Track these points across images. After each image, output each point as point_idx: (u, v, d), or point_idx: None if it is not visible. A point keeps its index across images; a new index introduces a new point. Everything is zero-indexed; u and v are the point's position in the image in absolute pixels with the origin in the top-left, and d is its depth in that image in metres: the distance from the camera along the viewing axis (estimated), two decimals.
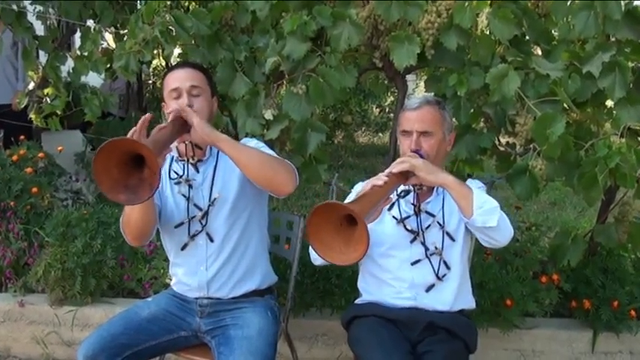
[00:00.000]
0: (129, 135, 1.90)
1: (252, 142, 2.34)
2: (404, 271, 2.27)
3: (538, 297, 2.94)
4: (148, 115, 2.00)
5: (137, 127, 1.94)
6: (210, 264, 2.31)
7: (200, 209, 2.30)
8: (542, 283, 2.95)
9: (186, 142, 2.27)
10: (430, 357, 2.10)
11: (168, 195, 2.34)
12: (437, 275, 2.25)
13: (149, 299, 2.47)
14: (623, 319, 2.95)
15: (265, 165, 2.14)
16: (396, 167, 2.10)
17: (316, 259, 2.27)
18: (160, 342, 2.28)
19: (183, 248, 2.33)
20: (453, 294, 2.27)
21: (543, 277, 2.97)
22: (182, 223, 2.31)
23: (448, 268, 2.26)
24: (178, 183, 2.32)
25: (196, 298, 2.36)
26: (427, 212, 2.29)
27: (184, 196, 2.32)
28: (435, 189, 2.31)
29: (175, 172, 2.34)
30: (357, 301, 2.40)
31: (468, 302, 2.36)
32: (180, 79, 2.24)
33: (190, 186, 2.31)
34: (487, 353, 2.99)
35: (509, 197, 4.56)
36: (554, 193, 6.45)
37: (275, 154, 2.27)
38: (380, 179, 2.03)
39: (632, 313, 2.95)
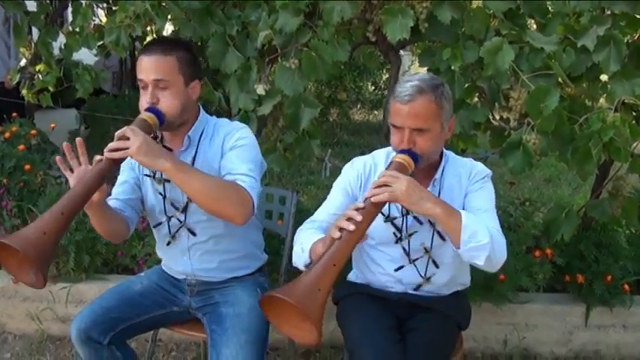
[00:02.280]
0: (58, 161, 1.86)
1: (236, 135, 2.11)
2: (392, 269, 2.18)
3: (531, 271, 2.95)
4: (78, 139, 1.89)
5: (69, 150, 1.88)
6: (192, 254, 2.26)
7: (177, 208, 2.20)
8: (535, 258, 2.96)
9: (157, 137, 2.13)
10: (415, 334, 2.04)
11: (148, 189, 2.25)
12: (424, 276, 2.16)
13: (141, 274, 2.46)
14: (616, 294, 2.97)
15: (211, 197, 1.91)
16: (374, 195, 1.82)
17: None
18: (153, 316, 2.28)
19: (167, 244, 2.28)
20: (443, 288, 2.20)
21: (537, 251, 2.97)
22: (160, 223, 2.25)
23: (437, 267, 2.15)
24: (155, 179, 2.21)
25: (185, 279, 2.34)
26: (415, 217, 2.11)
27: (160, 194, 2.21)
28: (432, 182, 2.10)
29: (150, 170, 2.19)
30: (349, 277, 2.39)
31: (463, 284, 2.30)
32: (145, 69, 2.01)
33: (167, 181, 2.16)
34: (480, 328, 3.01)
35: (503, 173, 4.57)
36: (549, 170, 6.45)
37: (232, 179, 1.99)
38: (353, 218, 1.77)
39: (626, 287, 2.97)
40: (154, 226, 2.29)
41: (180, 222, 2.21)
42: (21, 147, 3.63)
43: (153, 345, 2.64)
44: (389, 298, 2.20)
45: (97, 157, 1.84)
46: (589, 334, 3.05)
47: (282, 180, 5.60)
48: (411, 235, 2.12)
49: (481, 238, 1.85)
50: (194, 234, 2.22)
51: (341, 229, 1.76)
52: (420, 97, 1.92)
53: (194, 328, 2.33)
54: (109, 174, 1.86)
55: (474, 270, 2.71)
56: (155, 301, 2.30)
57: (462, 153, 2.74)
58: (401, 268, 2.16)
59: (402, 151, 1.95)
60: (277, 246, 2.82)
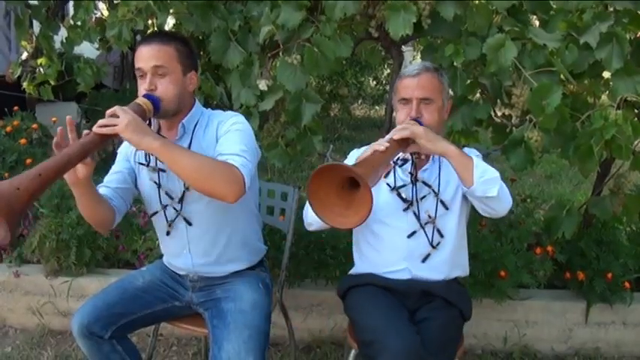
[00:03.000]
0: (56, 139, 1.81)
1: (230, 121, 2.12)
2: (399, 241, 2.26)
3: (532, 268, 2.96)
4: (68, 117, 1.86)
5: (62, 134, 1.83)
6: (192, 247, 2.26)
7: (171, 197, 2.20)
8: (536, 255, 2.97)
9: (152, 122, 2.14)
10: (427, 324, 2.11)
11: (144, 180, 2.24)
12: (431, 244, 2.25)
13: (143, 269, 2.46)
14: (616, 291, 2.97)
15: (202, 175, 1.89)
16: (396, 134, 2.05)
17: (310, 224, 2.26)
18: (155, 311, 2.28)
19: (167, 234, 2.28)
20: (448, 262, 2.27)
21: (538, 248, 2.98)
22: (156, 212, 2.25)
23: (442, 236, 2.25)
24: (149, 167, 2.22)
25: (187, 275, 2.34)
26: (424, 182, 2.27)
27: (155, 183, 2.21)
28: (432, 156, 2.28)
29: (144, 158, 2.21)
30: (351, 272, 2.41)
31: (464, 270, 2.37)
32: (144, 58, 2.04)
33: (162, 170, 2.18)
34: (481, 324, 3.02)
35: (504, 170, 4.57)
36: (550, 167, 6.45)
37: (224, 159, 1.97)
38: (382, 144, 1.97)
39: (626, 284, 2.97)
40: (151, 216, 2.28)
41: (177, 211, 2.21)
42: (22, 141, 3.64)
43: (154, 339, 2.65)
44: (394, 288, 2.24)
45: (85, 132, 1.84)
46: (589, 331, 3.05)
47: (283, 176, 5.60)
48: (422, 198, 2.25)
49: (492, 173, 2.06)
50: (190, 224, 2.22)
51: (373, 152, 1.96)
52: (426, 73, 2.22)
53: (195, 323, 2.33)
54: (95, 150, 1.85)
55: (475, 266, 2.74)
56: (157, 296, 2.30)
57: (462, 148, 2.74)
58: (413, 234, 2.25)
59: (411, 120, 2.17)
60: (279, 242, 2.83)
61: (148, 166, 2.20)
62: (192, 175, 1.89)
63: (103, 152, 5.13)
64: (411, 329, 2.03)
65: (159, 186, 2.20)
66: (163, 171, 2.18)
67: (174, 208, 2.21)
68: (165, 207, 2.22)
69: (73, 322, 2.16)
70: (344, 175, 1.78)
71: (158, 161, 2.17)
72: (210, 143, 2.11)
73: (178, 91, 2.07)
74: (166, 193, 2.21)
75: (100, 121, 1.82)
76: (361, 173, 1.73)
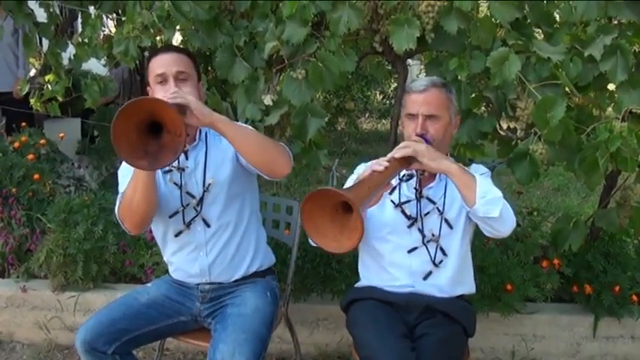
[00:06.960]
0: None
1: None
2: (401, 257, 2.25)
3: (539, 282, 2.94)
4: None
5: None
6: (209, 249, 2.29)
7: (193, 197, 2.26)
8: (543, 268, 2.95)
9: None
10: (426, 340, 2.09)
11: (160, 184, 2.28)
12: (433, 262, 2.23)
13: (148, 285, 2.46)
14: (624, 304, 2.95)
15: (264, 147, 2.11)
16: (398, 152, 2.05)
17: None
18: (159, 327, 2.28)
19: (177, 235, 2.29)
20: (451, 280, 2.25)
21: (544, 261, 2.96)
22: (177, 212, 2.27)
23: (445, 254, 2.24)
24: (169, 171, 2.26)
25: (198, 284, 2.35)
26: (428, 198, 2.26)
27: (176, 184, 2.27)
28: (438, 174, 2.27)
29: None
30: (356, 285, 2.41)
31: (468, 288, 2.35)
32: (166, 63, 2.17)
33: (182, 172, 2.26)
34: (488, 338, 3.00)
35: (511, 182, 4.56)
36: (558, 179, 6.43)
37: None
38: (380, 165, 1.98)
39: (634, 297, 2.95)
40: (170, 216, 2.27)
41: (197, 211, 2.26)
42: (30, 156, 3.65)
43: (160, 354, 2.65)
44: (396, 303, 2.23)
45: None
46: (597, 345, 3.03)
47: (289, 189, 5.60)
48: (426, 214, 2.24)
49: (495, 193, 2.04)
50: (208, 225, 2.27)
51: (372, 172, 1.97)
52: (433, 88, 2.21)
53: (201, 337, 2.33)
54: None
55: (481, 279, 2.73)
56: (162, 312, 2.31)
57: (470, 162, 2.74)
58: (414, 249, 2.24)
59: (416, 136, 2.18)
60: (284, 256, 2.83)
61: (172, 165, 2.24)
62: (257, 146, 2.09)
63: (112, 167, 5.17)
64: (404, 345, 2.02)
65: (180, 187, 2.26)
66: (183, 171, 2.26)
67: (195, 209, 2.26)
68: (186, 206, 2.26)
69: (76, 338, 2.16)
70: (336, 199, 1.78)
71: (180, 162, 2.25)
72: (227, 148, 2.23)
73: (197, 96, 2.16)
74: (187, 193, 2.26)
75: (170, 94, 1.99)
76: (352, 198, 1.73)
